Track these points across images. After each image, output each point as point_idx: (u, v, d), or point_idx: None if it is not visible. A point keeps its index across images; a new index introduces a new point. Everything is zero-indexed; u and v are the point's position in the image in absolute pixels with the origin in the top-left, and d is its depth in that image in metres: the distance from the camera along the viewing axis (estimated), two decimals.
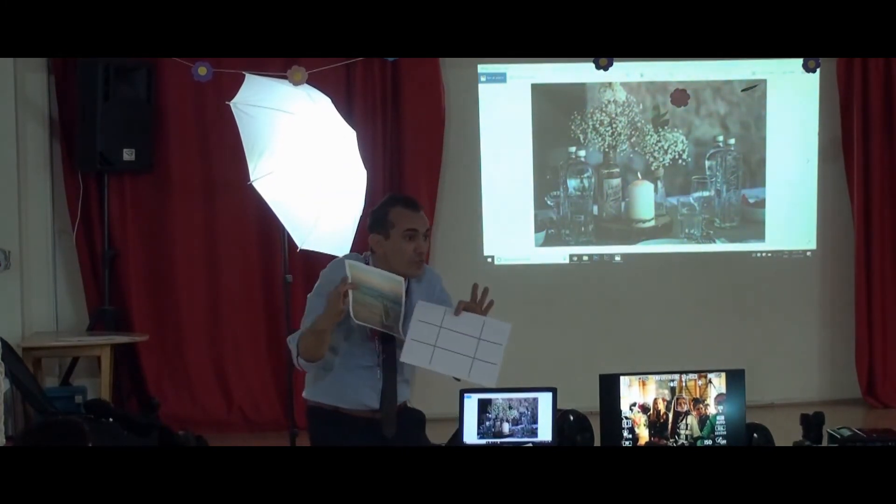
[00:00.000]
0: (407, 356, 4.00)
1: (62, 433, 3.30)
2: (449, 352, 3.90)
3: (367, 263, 4.10)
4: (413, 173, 7.62)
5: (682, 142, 7.86)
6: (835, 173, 7.90)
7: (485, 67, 7.76)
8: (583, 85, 7.82)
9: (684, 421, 5.55)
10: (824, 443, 5.68)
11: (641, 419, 5.49)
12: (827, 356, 8.02)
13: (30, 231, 7.28)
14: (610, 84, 7.78)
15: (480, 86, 7.78)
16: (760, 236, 7.95)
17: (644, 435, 5.48)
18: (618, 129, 7.83)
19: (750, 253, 7.97)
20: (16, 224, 7.13)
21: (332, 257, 6.73)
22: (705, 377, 5.65)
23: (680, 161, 7.88)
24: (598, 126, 7.83)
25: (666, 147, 7.85)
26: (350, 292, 3.96)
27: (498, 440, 5.31)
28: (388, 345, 4.18)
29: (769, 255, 7.97)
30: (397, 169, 7.62)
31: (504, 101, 7.80)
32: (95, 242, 7.37)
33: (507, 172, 7.82)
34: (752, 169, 7.93)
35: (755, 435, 5.68)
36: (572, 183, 7.86)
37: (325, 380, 4.15)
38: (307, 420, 4.34)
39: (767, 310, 7.90)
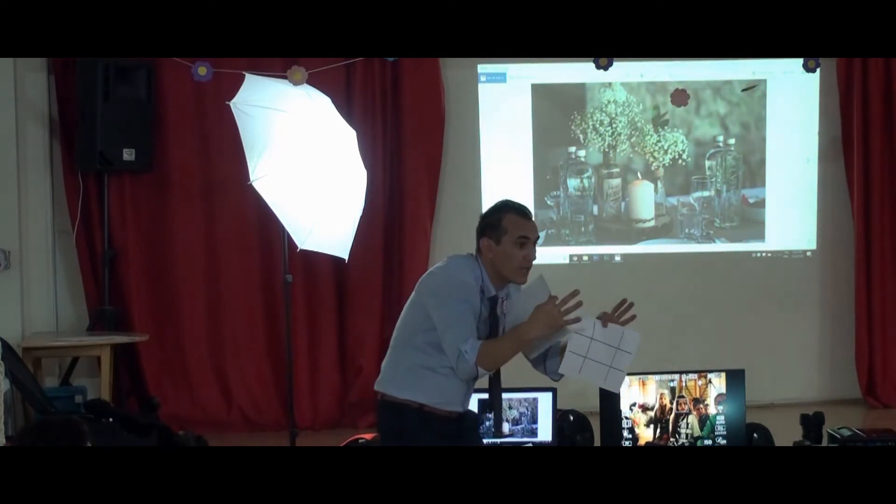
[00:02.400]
0: (563, 368, 3.98)
1: (60, 432, 3.29)
2: (594, 361, 3.94)
3: (477, 265, 4.16)
4: (413, 173, 7.62)
5: (682, 142, 7.86)
6: (835, 173, 7.90)
7: (485, 67, 7.76)
8: (583, 85, 7.82)
9: (684, 421, 5.56)
10: (824, 443, 5.69)
11: (642, 419, 5.50)
12: (827, 356, 8.02)
13: (30, 231, 7.28)
14: (610, 84, 7.79)
15: (480, 86, 7.78)
16: (760, 236, 7.95)
17: (644, 435, 5.48)
18: (618, 129, 7.83)
19: (750, 253, 7.97)
20: (16, 224, 7.14)
21: (332, 257, 6.80)
22: (705, 377, 5.66)
23: (680, 161, 7.88)
24: (598, 126, 7.83)
25: (666, 147, 7.85)
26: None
27: (498, 440, 5.32)
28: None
29: (769, 255, 7.97)
30: (397, 169, 7.62)
31: (504, 101, 7.80)
32: (95, 242, 7.37)
33: (507, 172, 7.82)
34: (752, 169, 7.93)
35: (755, 435, 5.69)
36: (572, 183, 7.86)
37: (427, 379, 4.07)
38: (385, 416, 4.21)
39: (767, 310, 7.90)
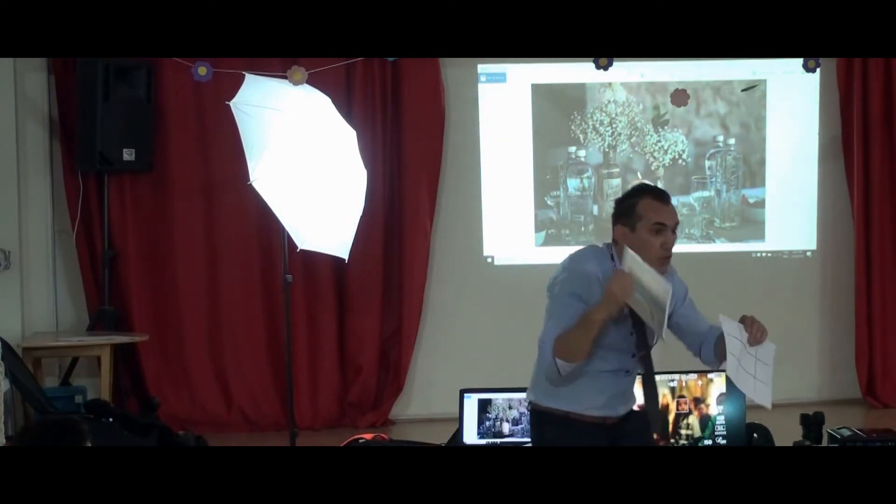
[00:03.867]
0: (726, 366, 3.82)
1: (59, 432, 3.29)
2: (743, 370, 3.83)
3: (611, 255, 3.87)
4: (413, 173, 7.62)
5: (682, 142, 7.86)
6: (835, 173, 7.90)
7: (485, 67, 7.76)
8: (583, 85, 7.82)
9: (685, 421, 5.56)
10: (824, 443, 5.69)
11: None
12: (827, 356, 8.02)
13: (30, 231, 7.28)
14: (610, 84, 7.78)
15: (480, 86, 7.78)
16: (760, 236, 7.95)
17: None
18: (618, 129, 7.83)
19: (750, 253, 7.97)
20: (16, 224, 7.14)
21: (332, 257, 6.81)
22: (705, 377, 5.66)
23: (680, 161, 7.88)
24: (598, 126, 7.83)
25: (666, 147, 7.85)
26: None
27: (498, 440, 5.32)
28: (641, 344, 3.94)
29: (769, 255, 7.97)
30: (397, 169, 7.62)
31: (504, 101, 7.80)
32: (95, 242, 7.37)
33: (507, 172, 7.82)
34: (752, 169, 7.93)
35: (755, 435, 5.69)
36: (572, 183, 7.86)
37: (567, 386, 3.85)
38: (532, 424, 4.03)
39: (767, 310, 7.85)
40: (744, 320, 3.86)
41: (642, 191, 3.89)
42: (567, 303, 3.75)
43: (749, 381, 3.82)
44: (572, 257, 3.91)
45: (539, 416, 3.93)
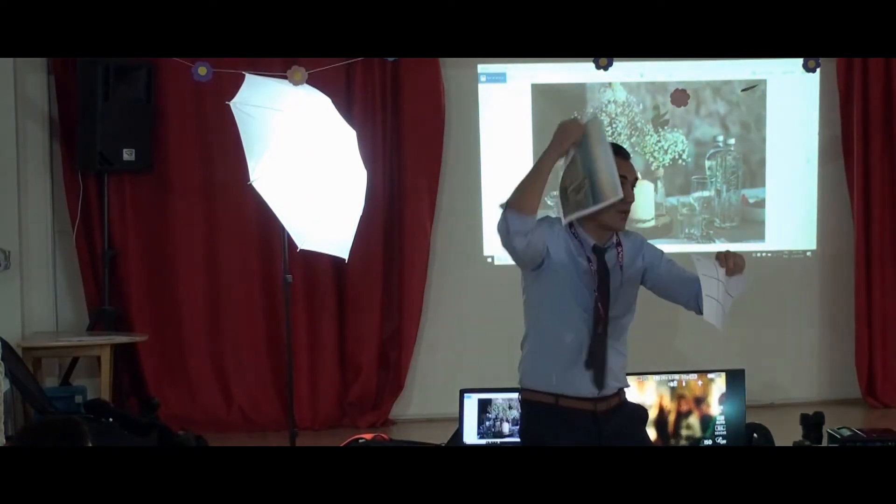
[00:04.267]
0: (707, 314, 3.79)
1: (60, 432, 3.29)
2: (715, 300, 3.81)
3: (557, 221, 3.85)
4: (413, 173, 7.62)
5: (682, 142, 7.86)
6: (835, 173, 7.90)
7: (485, 67, 7.76)
8: (583, 85, 7.82)
9: (685, 421, 5.56)
10: (824, 443, 5.69)
11: None
12: (827, 356, 8.02)
13: (30, 231, 7.28)
14: (610, 84, 7.79)
15: (480, 86, 7.78)
16: (760, 236, 7.95)
17: None
18: (618, 129, 7.83)
19: (750, 253, 7.96)
20: (16, 224, 7.14)
21: (332, 257, 6.80)
22: (705, 377, 5.66)
23: (680, 161, 7.88)
24: None
25: (666, 147, 7.85)
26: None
27: (498, 440, 5.32)
28: (602, 288, 3.81)
29: (769, 255, 7.97)
30: (397, 169, 7.62)
31: (504, 101, 7.80)
32: (95, 242, 7.37)
33: (507, 172, 7.81)
34: (752, 169, 7.93)
35: (755, 435, 5.69)
36: None
37: (534, 359, 3.84)
38: (525, 416, 3.94)
39: (767, 310, 7.89)
40: (718, 257, 3.83)
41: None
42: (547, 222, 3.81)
43: (715, 306, 3.79)
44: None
45: (525, 405, 3.88)
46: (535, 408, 3.81)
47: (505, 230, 3.69)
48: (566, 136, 3.77)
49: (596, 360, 3.77)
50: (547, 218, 3.84)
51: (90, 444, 3.28)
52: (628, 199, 3.79)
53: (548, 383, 3.79)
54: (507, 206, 3.68)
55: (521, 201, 3.68)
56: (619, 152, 3.85)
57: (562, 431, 3.72)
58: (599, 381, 3.77)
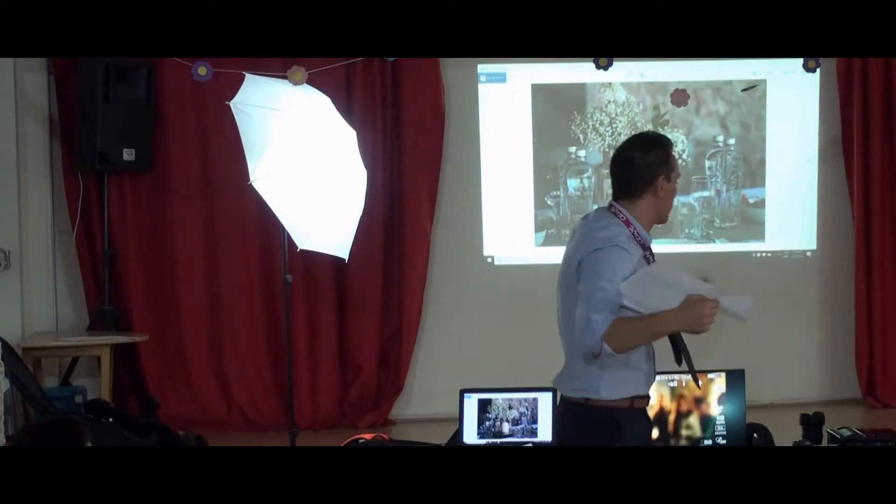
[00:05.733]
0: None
1: (59, 432, 3.28)
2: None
3: (614, 217, 3.76)
4: (413, 173, 7.62)
5: (682, 142, 7.86)
6: (835, 173, 7.90)
7: (485, 67, 7.76)
8: (583, 85, 7.82)
9: (685, 421, 5.55)
10: (824, 443, 5.68)
11: None
12: (827, 356, 8.02)
13: (30, 231, 7.28)
14: (610, 84, 7.79)
15: (480, 86, 7.78)
16: (760, 236, 7.95)
17: None
18: (618, 129, 7.83)
19: (750, 253, 7.97)
20: (16, 224, 7.14)
21: (332, 257, 6.79)
22: (705, 377, 5.65)
23: (680, 161, 7.87)
24: (598, 126, 7.83)
25: None
26: None
27: (498, 440, 5.32)
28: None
29: (769, 255, 7.97)
30: (397, 169, 7.62)
31: (504, 101, 7.80)
32: (95, 242, 7.37)
33: (507, 172, 7.82)
34: (752, 169, 7.93)
35: (755, 435, 5.68)
36: (572, 183, 7.86)
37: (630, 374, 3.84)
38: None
39: (767, 310, 7.88)
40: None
41: (666, 140, 3.83)
42: (617, 253, 3.63)
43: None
44: (590, 224, 3.79)
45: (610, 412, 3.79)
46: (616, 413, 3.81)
47: (595, 354, 3.64)
48: (696, 322, 3.70)
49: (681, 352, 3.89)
50: (622, 251, 3.68)
51: (89, 444, 3.28)
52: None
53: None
54: (608, 341, 3.58)
55: (622, 348, 3.62)
56: (666, 144, 3.79)
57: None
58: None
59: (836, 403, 7.66)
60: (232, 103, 6.30)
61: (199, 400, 7.49)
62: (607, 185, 7.80)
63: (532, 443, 5.29)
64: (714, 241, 7.93)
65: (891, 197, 7.81)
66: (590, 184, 7.86)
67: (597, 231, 3.72)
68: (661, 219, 3.84)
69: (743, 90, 7.85)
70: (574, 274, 3.73)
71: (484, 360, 7.47)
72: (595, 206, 7.81)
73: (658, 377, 5.58)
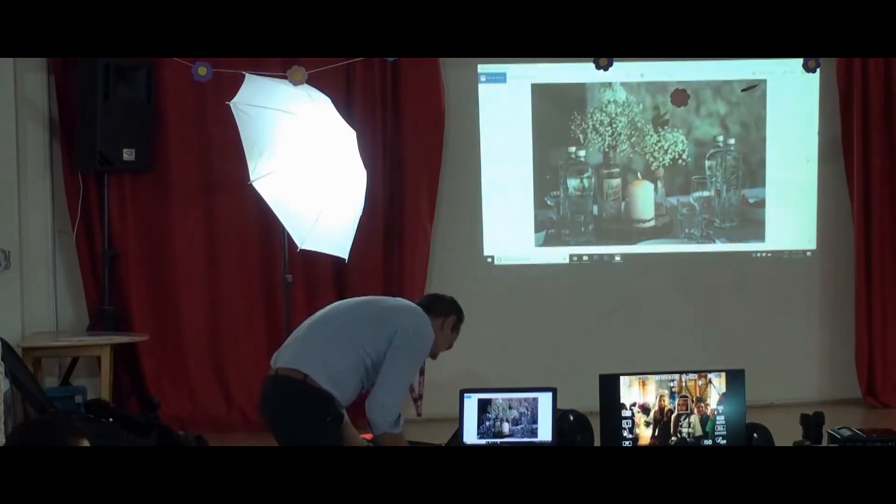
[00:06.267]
0: None
1: (46, 432, 3.26)
2: None
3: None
4: (413, 173, 7.62)
5: (682, 142, 7.86)
6: (835, 173, 7.89)
7: (485, 67, 7.75)
8: (583, 85, 7.82)
9: (685, 421, 5.55)
10: (824, 443, 5.68)
11: (641, 419, 5.49)
12: (827, 356, 8.02)
13: (30, 231, 7.28)
14: (610, 84, 7.78)
15: (480, 86, 7.78)
16: (760, 236, 7.95)
17: (644, 435, 5.48)
18: (618, 129, 7.83)
19: (750, 253, 7.96)
20: (16, 224, 7.14)
21: (332, 257, 6.80)
22: (705, 377, 5.65)
23: (680, 161, 7.87)
24: (598, 126, 7.83)
25: (666, 147, 7.85)
26: None
27: (498, 440, 5.32)
28: None
29: (769, 255, 7.97)
30: (397, 169, 7.61)
31: (504, 101, 7.80)
32: (95, 242, 7.37)
33: (507, 172, 7.82)
34: (752, 169, 7.93)
35: (755, 435, 5.67)
36: (572, 183, 7.86)
37: (349, 385, 5.32)
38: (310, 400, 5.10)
39: (767, 310, 7.89)
40: None
41: (462, 317, 5.45)
42: (414, 372, 5.36)
43: None
44: (429, 328, 5.21)
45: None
46: None
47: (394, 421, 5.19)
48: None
49: None
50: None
51: (85, 444, 3.27)
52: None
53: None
54: (385, 428, 5.19)
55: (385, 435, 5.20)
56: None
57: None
58: None
59: (836, 403, 7.66)
60: (232, 103, 6.30)
61: (199, 400, 7.49)
62: (607, 185, 7.88)
63: (532, 443, 5.30)
64: (714, 241, 7.93)
65: (891, 197, 7.80)
66: (590, 184, 7.86)
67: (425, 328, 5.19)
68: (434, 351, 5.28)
69: (743, 90, 7.84)
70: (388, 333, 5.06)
71: (484, 360, 7.47)
72: (595, 206, 7.89)
73: (658, 377, 5.61)
